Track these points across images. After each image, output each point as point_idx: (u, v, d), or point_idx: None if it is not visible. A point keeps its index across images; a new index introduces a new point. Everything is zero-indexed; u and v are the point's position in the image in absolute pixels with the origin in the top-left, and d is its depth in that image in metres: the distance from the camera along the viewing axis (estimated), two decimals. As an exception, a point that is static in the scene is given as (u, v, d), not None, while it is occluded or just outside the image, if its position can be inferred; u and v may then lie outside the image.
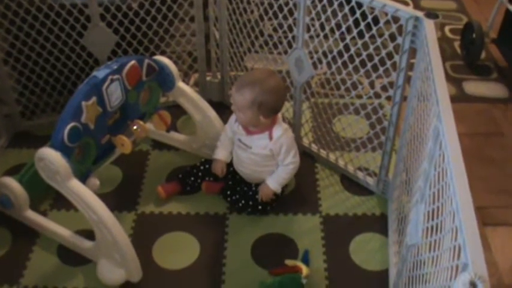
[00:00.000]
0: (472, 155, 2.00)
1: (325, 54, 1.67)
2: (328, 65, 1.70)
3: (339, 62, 1.65)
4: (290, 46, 1.74)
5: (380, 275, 1.54)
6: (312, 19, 1.64)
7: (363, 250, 1.61)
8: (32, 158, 1.45)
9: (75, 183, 1.42)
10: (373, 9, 1.46)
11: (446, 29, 2.82)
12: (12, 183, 1.59)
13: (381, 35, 1.49)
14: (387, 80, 1.55)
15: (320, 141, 1.93)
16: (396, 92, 1.54)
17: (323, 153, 1.92)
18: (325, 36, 1.67)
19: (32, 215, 1.65)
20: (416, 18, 1.38)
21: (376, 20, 1.48)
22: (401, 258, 1.30)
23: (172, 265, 1.57)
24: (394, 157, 1.70)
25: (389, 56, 1.49)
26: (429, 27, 1.34)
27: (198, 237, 1.65)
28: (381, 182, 1.76)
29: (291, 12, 1.69)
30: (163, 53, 2.06)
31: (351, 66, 1.63)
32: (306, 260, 1.54)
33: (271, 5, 1.79)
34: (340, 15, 1.57)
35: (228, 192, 1.74)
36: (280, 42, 1.83)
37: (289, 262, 1.55)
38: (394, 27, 1.44)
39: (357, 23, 1.52)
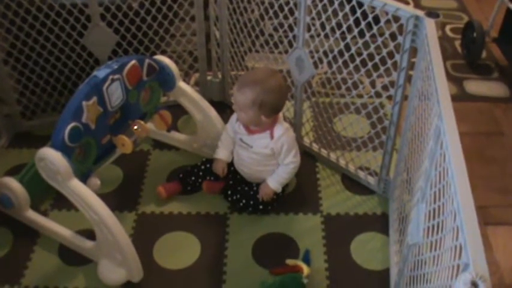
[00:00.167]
0: (473, 154, 1.99)
1: (325, 54, 1.67)
2: (329, 64, 1.70)
3: (340, 61, 1.65)
4: (291, 45, 1.74)
5: (381, 275, 1.54)
6: (313, 18, 1.64)
7: (364, 249, 1.61)
8: (33, 158, 1.45)
9: (76, 183, 1.42)
10: (374, 9, 1.46)
11: (447, 28, 2.82)
12: (12, 183, 1.59)
13: (381, 34, 1.49)
14: (388, 79, 1.55)
15: (321, 140, 1.93)
16: (397, 91, 1.54)
17: (324, 152, 1.92)
18: (326, 36, 1.67)
19: (32, 215, 1.65)
20: (417, 18, 1.38)
21: (376, 19, 1.48)
22: (403, 257, 1.30)
23: (173, 265, 1.57)
24: (395, 156, 1.70)
25: (390, 55, 1.49)
26: (430, 26, 1.34)
27: (199, 237, 1.65)
28: (382, 181, 1.76)
29: (291, 12, 1.69)
30: (163, 53, 2.06)
31: (351, 66, 1.63)
32: (306, 260, 1.54)
33: (271, 5, 1.79)
34: (340, 14, 1.57)
35: (229, 192, 1.74)
36: (281, 42, 1.83)
37: (290, 262, 1.55)
38: (394, 27, 1.44)
39: (357, 22, 1.52)
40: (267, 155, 1.66)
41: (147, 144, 2.00)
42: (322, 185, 1.84)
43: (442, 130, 1.01)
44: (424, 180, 1.12)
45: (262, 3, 1.82)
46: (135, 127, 1.65)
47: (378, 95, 1.63)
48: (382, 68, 1.54)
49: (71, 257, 1.58)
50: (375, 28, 1.50)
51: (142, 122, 1.67)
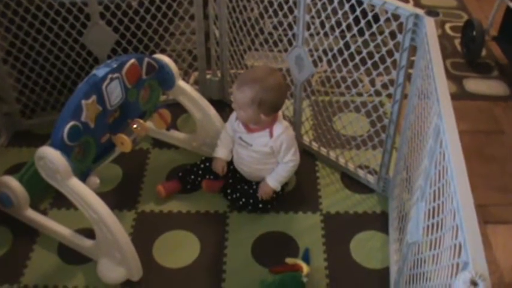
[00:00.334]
0: (472, 153, 1.99)
1: (325, 52, 1.67)
2: (329, 62, 1.70)
3: (339, 59, 1.65)
4: (290, 44, 1.74)
5: (381, 273, 1.54)
6: (312, 17, 1.63)
7: (364, 248, 1.61)
8: (32, 157, 1.44)
9: (75, 182, 1.42)
10: (374, 7, 1.46)
11: (447, 26, 2.82)
12: (12, 182, 1.59)
13: (381, 33, 1.48)
14: (387, 78, 1.55)
15: (320, 139, 1.93)
16: (397, 89, 1.53)
17: (323, 151, 1.92)
18: (326, 34, 1.67)
19: (32, 214, 1.65)
20: (417, 16, 1.38)
21: (376, 18, 1.48)
22: (402, 256, 1.30)
23: (172, 263, 1.56)
24: (394, 155, 1.70)
25: (390, 53, 1.49)
26: (429, 24, 1.34)
27: (199, 235, 1.65)
28: (382, 180, 1.76)
29: (291, 10, 1.68)
30: (163, 52, 2.05)
31: (351, 64, 1.63)
32: (306, 258, 1.54)
33: (271, 3, 1.79)
34: (340, 13, 1.57)
35: (229, 191, 1.74)
36: (281, 40, 1.82)
37: (289, 260, 1.54)
38: (394, 25, 1.44)
39: (357, 20, 1.52)
40: (266, 153, 1.66)
41: (146, 143, 1.99)
42: (322, 183, 1.84)
43: (442, 129, 1.01)
44: (424, 178, 1.12)
45: (262, 1, 1.82)
46: (135, 126, 1.65)
47: (378, 93, 1.63)
48: (381, 67, 1.54)
49: (70, 255, 1.58)
50: (375, 26, 1.50)
51: (141, 121, 1.67)
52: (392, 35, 1.45)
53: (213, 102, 1.90)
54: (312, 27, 1.65)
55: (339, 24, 1.59)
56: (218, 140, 1.77)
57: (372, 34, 1.52)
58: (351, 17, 1.54)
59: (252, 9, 1.88)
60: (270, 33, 1.87)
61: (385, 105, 1.93)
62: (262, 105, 1.57)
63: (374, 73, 1.59)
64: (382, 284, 1.50)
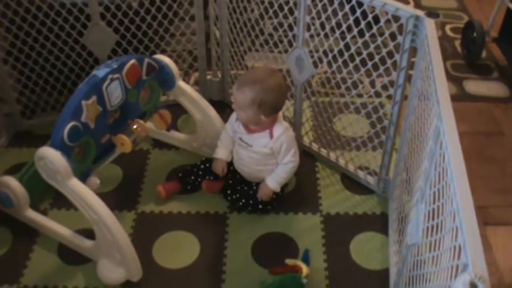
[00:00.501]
0: (472, 154, 1.99)
1: (325, 53, 1.67)
2: (329, 64, 1.70)
3: (340, 61, 1.65)
4: (290, 45, 1.74)
5: (380, 275, 1.54)
6: (313, 18, 1.63)
7: (364, 249, 1.61)
8: (32, 157, 1.44)
9: (75, 183, 1.42)
10: (374, 8, 1.46)
11: (447, 27, 2.82)
12: (12, 182, 1.59)
13: (381, 34, 1.48)
14: (388, 79, 1.55)
15: (320, 140, 1.93)
16: (397, 91, 1.53)
17: (323, 152, 1.92)
18: (326, 35, 1.67)
19: (32, 214, 1.65)
20: (417, 18, 1.38)
21: (376, 19, 1.48)
22: (402, 257, 1.30)
23: (172, 264, 1.56)
24: (394, 156, 1.70)
25: (390, 55, 1.49)
26: (430, 26, 1.34)
27: (198, 236, 1.65)
28: (382, 181, 1.76)
29: (291, 11, 1.69)
30: (163, 52, 2.05)
31: (351, 65, 1.63)
32: (306, 259, 1.54)
33: (271, 4, 1.79)
34: (340, 14, 1.57)
35: (229, 191, 1.74)
36: (281, 41, 1.83)
37: (289, 261, 1.54)
38: (394, 26, 1.44)
39: (357, 22, 1.52)
40: (266, 154, 1.66)
41: (146, 144, 1.99)
42: (322, 184, 1.84)
43: (442, 130, 1.01)
44: (424, 180, 1.12)
45: (262, 2, 1.82)
46: (135, 126, 1.65)
47: (378, 94, 1.63)
48: (381, 68, 1.54)
49: (70, 256, 1.58)
50: (375, 28, 1.50)
51: (141, 121, 1.67)
52: (393, 36, 1.45)
53: (213, 103, 1.90)
54: (312, 28, 1.65)
55: (339, 25, 1.59)
56: (218, 140, 1.77)
57: (372, 35, 1.52)
58: (351, 18, 1.54)
59: (252, 10, 1.88)
60: (271, 34, 1.87)
61: (385, 107, 1.93)
62: (263, 106, 1.57)
63: (374, 74, 1.59)
64: (382, 286, 1.50)
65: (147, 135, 1.78)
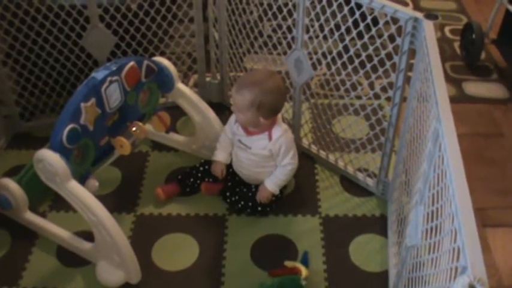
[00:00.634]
0: (472, 156, 1.99)
1: (324, 55, 1.67)
2: (328, 65, 1.70)
3: (339, 62, 1.65)
4: (289, 47, 1.74)
5: (380, 276, 1.54)
6: (311, 20, 1.63)
7: (363, 251, 1.61)
8: (31, 159, 1.44)
9: (74, 185, 1.42)
10: (373, 10, 1.46)
11: (446, 29, 2.82)
12: (11, 184, 1.59)
13: (380, 36, 1.48)
14: (387, 81, 1.55)
15: (320, 142, 1.93)
16: (396, 93, 1.54)
17: (323, 154, 1.92)
18: (325, 37, 1.67)
19: (31, 217, 1.65)
20: (416, 19, 1.38)
21: (375, 21, 1.48)
22: (401, 259, 1.30)
23: (171, 266, 1.56)
24: (393, 158, 1.70)
25: (389, 56, 1.49)
26: (428, 28, 1.34)
27: (198, 238, 1.65)
28: (381, 183, 1.76)
29: (290, 13, 1.69)
30: (162, 54, 2.05)
31: (350, 67, 1.63)
32: (305, 261, 1.54)
33: (270, 6, 1.79)
34: (339, 16, 1.57)
35: (228, 194, 1.74)
36: (280, 43, 1.83)
37: (288, 263, 1.54)
38: (393, 28, 1.44)
39: (356, 24, 1.52)
40: (265, 156, 1.66)
41: (145, 146, 1.99)
42: (321, 186, 1.84)
43: (441, 132, 1.01)
44: (423, 182, 1.12)
45: (261, 4, 1.82)
46: (134, 128, 1.65)
47: (377, 96, 1.63)
48: (380, 70, 1.54)
49: (69, 258, 1.58)
50: (374, 30, 1.50)
51: (140, 124, 1.67)
52: (392, 38, 1.45)
53: (212, 105, 1.90)
54: (311, 30, 1.65)
55: (338, 27, 1.59)
56: (217, 143, 1.77)
57: (371, 37, 1.52)
58: (350, 20, 1.54)
59: (251, 12, 1.88)
60: (269, 36, 1.87)
61: (384, 108, 1.93)
62: (261, 108, 1.57)
63: (373, 76, 1.59)
64: (381, 287, 1.50)
65: (146, 138, 1.78)
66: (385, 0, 1.44)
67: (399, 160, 1.62)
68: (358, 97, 1.72)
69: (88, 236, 1.54)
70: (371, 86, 1.69)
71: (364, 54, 1.57)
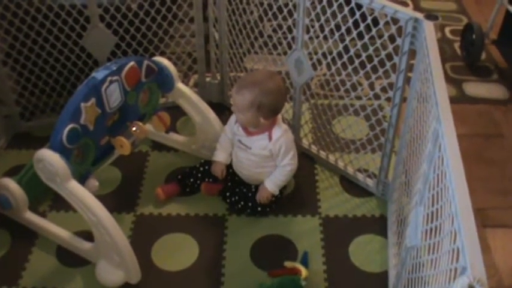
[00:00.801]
0: (472, 156, 1.99)
1: (324, 56, 1.67)
2: (328, 66, 1.70)
3: (339, 63, 1.65)
4: (290, 47, 1.74)
5: (379, 277, 1.54)
6: (312, 20, 1.63)
7: (363, 252, 1.61)
8: (31, 159, 1.44)
9: (74, 185, 1.42)
10: (373, 11, 1.46)
11: (447, 30, 2.82)
12: (11, 184, 1.59)
13: (380, 36, 1.48)
14: (387, 81, 1.55)
15: (320, 142, 1.93)
16: (396, 93, 1.53)
17: (323, 154, 1.92)
18: (325, 38, 1.67)
19: (31, 216, 1.65)
20: (416, 20, 1.38)
21: (375, 21, 1.48)
22: (401, 260, 1.30)
23: (171, 266, 1.56)
24: (393, 159, 1.70)
25: (389, 57, 1.49)
26: (429, 28, 1.34)
27: (197, 238, 1.65)
28: (381, 183, 1.76)
29: (290, 13, 1.69)
30: (162, 54, 2.05)
31: (350, 68, 1.63)
32: (305, 262, 1.54)
33: (270, 6, 1.79)
34: (339, 16, 1.57)
35: (227, 194, 1.74)
36: (280, 43, 1.82)
37: (288, 264, 1.54)
38: (393, 29, 1.44)
39: (356, 24, 1.52)
40: (265, 156, 1.66)
41: (145, 146, 1.99)
42: (321, 186, 1.84)
43: (440, 133, 1.01)
44: (423, 182, 1.12)
45: (261, 4, 1.82)
46: (134, 128, 1.65)
47: (377, 97, 1.63)
48: (381, 70, 1.53)
49: (68, 258, 1.58)
50: (374, 30, 1.50)
51: (140, 124, 1.66)
52: (392, 38, 1.45)
53: (212, 105, 1.90)
54: (312, 30, 1.65)
55: (338, 27, 1.59)
56: (217, 143, 1.77)
57: (371, 38, 1.52)
58: (351, 21, 1.54)
59: (251, 12, 1.88)
60: (270, 36, 1.87)
61: (384, 109, 1.93)
62: (262, 109, 1.57)
63: (373, 76, 1.59)
64: (381, 288, 1.51)
65: (146, 138, 1.78)
66: (385, 0, 1.44)
67: (399, 161, 1.62)
68: (358, 97, 1.71)
69: (88, 236, 1.54)
70: (371, 86, 1.69)
71: (364, 55, 1.57)
